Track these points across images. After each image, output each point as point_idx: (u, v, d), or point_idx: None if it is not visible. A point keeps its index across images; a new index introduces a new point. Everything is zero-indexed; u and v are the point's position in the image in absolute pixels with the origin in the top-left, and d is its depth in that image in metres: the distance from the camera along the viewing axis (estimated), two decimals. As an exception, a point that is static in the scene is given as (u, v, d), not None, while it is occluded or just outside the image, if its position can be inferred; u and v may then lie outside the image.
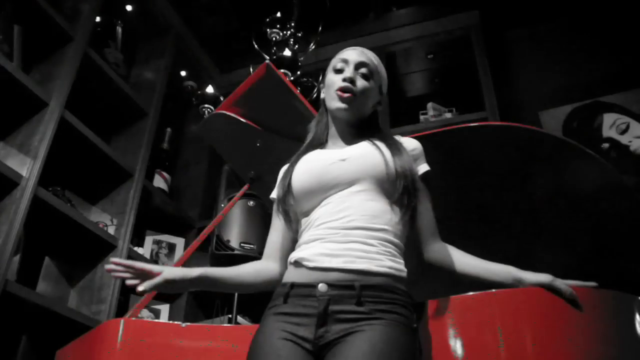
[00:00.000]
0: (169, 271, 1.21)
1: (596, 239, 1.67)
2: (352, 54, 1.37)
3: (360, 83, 1.33)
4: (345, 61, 1.36)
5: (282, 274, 1.24)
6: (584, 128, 3.19)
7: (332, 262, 1.12)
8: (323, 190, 1.23)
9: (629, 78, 3.15)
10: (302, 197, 1.26)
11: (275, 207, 1.36)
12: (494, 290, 1.23)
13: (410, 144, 1.33)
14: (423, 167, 1.31)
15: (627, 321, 1.24)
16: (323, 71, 1.50)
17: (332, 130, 1.39)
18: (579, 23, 3.45)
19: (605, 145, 3.09)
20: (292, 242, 1.31)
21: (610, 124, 3.12)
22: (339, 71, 1.35)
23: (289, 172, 1.31)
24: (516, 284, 1.20)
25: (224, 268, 1.29)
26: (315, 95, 2.83)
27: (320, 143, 1.39)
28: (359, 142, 1.32)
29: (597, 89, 3.21)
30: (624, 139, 3.06)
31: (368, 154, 1.25)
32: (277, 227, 1.36)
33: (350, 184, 1.22)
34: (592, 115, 3.19)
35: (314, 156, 1.32)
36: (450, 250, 1.27)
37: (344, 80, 1.31)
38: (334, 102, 1.33)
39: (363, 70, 1.35)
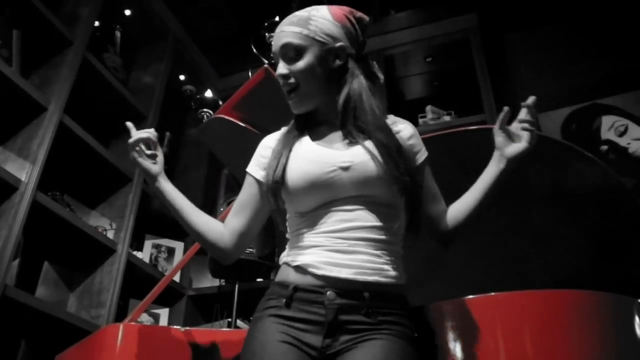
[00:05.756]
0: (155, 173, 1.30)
1: (595, 242, 1.67)
2: (275, 42, 1.24)
3: (293, 69, 1.20)
4: (275, 55, 1.25)
5: (227, 249, 1.25)
6: (582, 130, 3.19)
7: (342, 272, 1.09)
8: (320, 197, 1.15)
9: (627, 80, 3.15)
10: (295, 198, 1.18)
11: (247, 187, 1.29)
12: (493, 293, 1.23)
13: (406, 131, 1.24)
14: (423, 154, 1.25)
15: (627, 324, 1.24)
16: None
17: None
18: (577, 26, 3.46)
19: (604, 147, 3.10)
20: (255, 225, 1.27)
21: (608, 126, 3.12)
22: (277, 69, 1.24)
23: (279, 160, 1.19)
24: (503, 158, 1.17)
25: (193, 210, 1.29)
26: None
27: (305, 124, 1.27)
28: (346, 123, 1.20)
29: (596, 91, 3.22)
30: (622, 141, 3.06)
31: (370, 162, 1.14)
32: (246, 208, 1.27)
33: (353, 193, 1.14)
34: (590, 117, 3.20)
35: (311, 152, 1.20)
36: (450, 208, 1.24)
37: (279, 78, 1.22)
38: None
39: (290, 53, 1.21)
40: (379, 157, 1.14)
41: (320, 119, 1.27)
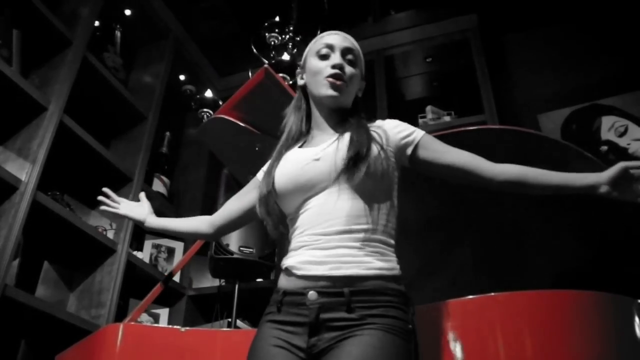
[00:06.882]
0: (132, 210, 1.60)
1: (595, 242, 1.67)
2: (337, 39, 1.34)
3: (348, 70, 1.30)
4: (331, 47, 1.32)
5: (209, 234, 1.49)
6: (582, 131, 3.20)
7: (319, 269, 1.10)
8: (301, 192, 1.20)
9: (627, 81, 3.16)
10: (282, 199, 1.24)
11: (250, 183, 1.42)
12: (493, 293, 1.23)
13: (388, 124, 1.30)
14: (418, 134, 1.28)
15: (627, 324, 1.24)
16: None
17: (316, 115, 1.35)
18: (577, 26, 3.46)
19: (604, 147, 3.10)
20: (241, 216, 1.42)
21: (608, 127, 3.13)
22: (324, 57, 1.32)
23: (271, 172, 1.27)
24: (595, 187, 1.16)
25: (174, 223, 1.57)
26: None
27: (300, 133, 1.36)
28: (342, 130, 1.27)
29: (596, 91, 3.22)
30: (622, 142, 3.06)
31: (340, 151, 1.18)
32: (239, 199, 1.43)
33: (326, 183, 1.17)
34: (590, 118, 3.20)
35: (294, 155, 1.28)
36: (515, 169, 1.22)
37: (334, 67, 1.28)
38: (323, 90, 1.29)
39: (349, 56, 1.32)
40: (348, 144, 1.19)
41: (318, 127, 1.34)
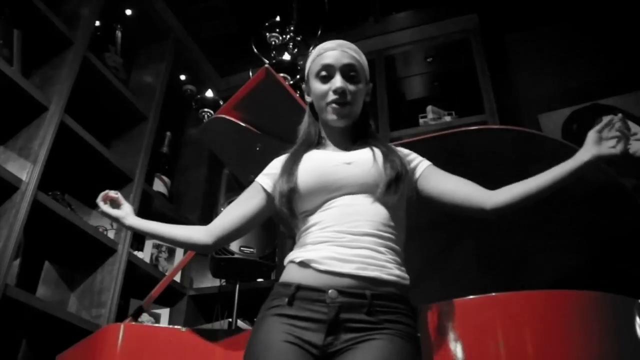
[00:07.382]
0: (125, 216, 1.43)
1: (595, 242, 1.67)
2: (335, 57, 1.30)
3: (351, 89, 1.29)
4: (330, 67, 1.30)
5: (207, 245, 1.33)
6: (583, 131, 3.18)
7: (344, 267, 1.11)
8: (327, 191, 1.21)
9: (628, 80, 3.15)
10: (304, 196, 1.23)
11: (251, 189, 1.35)
12: (493, 293, 1.23)
13: (404, 152, 1.33)
14: (424, 163, 1.30)
15: (627, 324, 1.24)
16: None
17: (328, 130, 1.36)
18: (577, 26, 3.46)
19: (605, 147, 3.09)
20: (245, 223, 1.33)
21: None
22: (324, 79, 1.30)
23: (293, 170, 1.25)
24: (584, 155, 1.13)
25: (167, 228, 1.39)
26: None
27: (317, 142, 1.36)
28: (355, 143, 1.31)
29: (596, 91, 3.22)
30: (623, 142, 3.05)
31: (373, 160, 1.23)
32: (241, 205, 1.34)
33: (355, 188, 1.20)
34: (591, 117, 3.20)
35: (317, 155, 1.29)
36: (502, 189, 1.20)
37: (335, 92, 1.27)
38: (329, 115, 1.30)
39: (352, 73, 1.30)
40: (380, 157, 1.23)
41: (331, 140, 1.35)
